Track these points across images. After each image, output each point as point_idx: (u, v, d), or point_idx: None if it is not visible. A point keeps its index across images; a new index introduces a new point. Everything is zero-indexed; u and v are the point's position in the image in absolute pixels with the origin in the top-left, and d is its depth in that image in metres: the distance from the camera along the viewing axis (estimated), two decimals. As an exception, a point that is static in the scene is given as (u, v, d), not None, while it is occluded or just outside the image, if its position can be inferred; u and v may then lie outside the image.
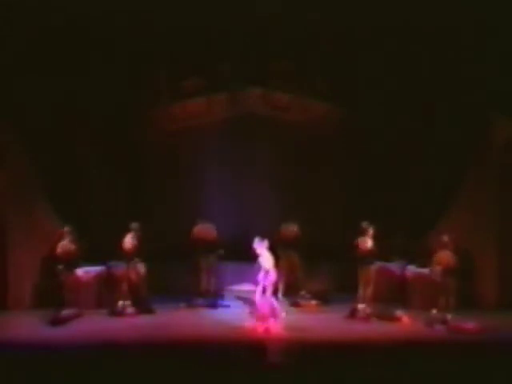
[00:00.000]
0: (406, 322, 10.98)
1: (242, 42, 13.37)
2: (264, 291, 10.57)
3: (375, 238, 11.44)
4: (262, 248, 10.65)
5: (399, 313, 11.19)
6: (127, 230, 11.86)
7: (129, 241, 11.80)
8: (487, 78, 12.02)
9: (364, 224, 11.52)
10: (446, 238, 11.06)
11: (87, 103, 13.29)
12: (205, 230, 12.86)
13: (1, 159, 12.05)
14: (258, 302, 10.63)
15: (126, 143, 14.21)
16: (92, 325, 10.97)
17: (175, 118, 14.52)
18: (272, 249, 10.88)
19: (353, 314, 11.35)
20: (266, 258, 10.58)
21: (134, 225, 11.88)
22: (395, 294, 12.28)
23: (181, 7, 12.33)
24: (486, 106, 12.10)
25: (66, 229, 11.50)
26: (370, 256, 11.45)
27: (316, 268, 13.22)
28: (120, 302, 11.68)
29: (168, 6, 12.30)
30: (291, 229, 12.97)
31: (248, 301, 11.88)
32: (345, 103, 14.01)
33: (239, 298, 12.83)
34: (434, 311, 10.86)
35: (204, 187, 14.59)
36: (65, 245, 11.42)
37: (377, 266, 11.69)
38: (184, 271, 13.35)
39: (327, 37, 13.07)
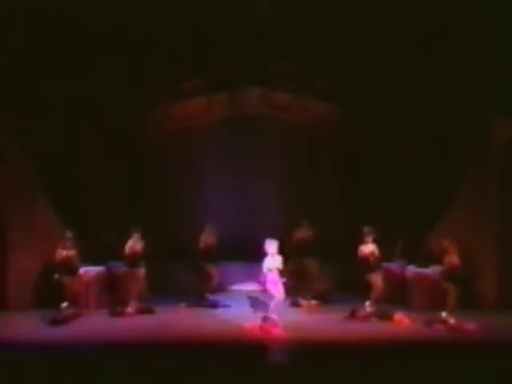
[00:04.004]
0: (405, 322, 10.97)
1: (242, 41, 13.37)
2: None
3: (377, 243, 11.35)
4: (272, 248, 10.49)
5: (399, 313, 11.19)
6: (128, 231, 11.83)
7: (131, 246, 11.77)
8: (487, 78, 12.02)
9: (365, 229, 11.34)
10: (446, 243, 10.95)
11: (87, 103, 13.29)
12: (210, 234, 12.78)
13: (1, 159, 12.05)
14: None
15: (125, 143, 14.22)
16: (92, 325, 10.98)
17: (175, 117, 14.54)
18: (282, 253, 10.63)
19: (353, 314, 11.35)
20: (273, 260, 10.48)
21: (135, 229, 11.81)
22: (395, 294, 12.27)
23: (181, 7, 12.32)
24: (486, 106, 12.10)
25: (68, 234, 11.37)
26: (375, 262, 11.38)
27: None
28: (133, 302, 11.67)
29: (168, 5, 12.30)
30: (305, 233, 12.74)
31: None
32: (345, 103, 14.01)
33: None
34: (444, 313, 10.71)
35: (204, 187, 14.61)
36: (63, 252, 11.28)
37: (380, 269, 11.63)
38: (184, 271, 13.37)
39: (327, 37, 13.05)
